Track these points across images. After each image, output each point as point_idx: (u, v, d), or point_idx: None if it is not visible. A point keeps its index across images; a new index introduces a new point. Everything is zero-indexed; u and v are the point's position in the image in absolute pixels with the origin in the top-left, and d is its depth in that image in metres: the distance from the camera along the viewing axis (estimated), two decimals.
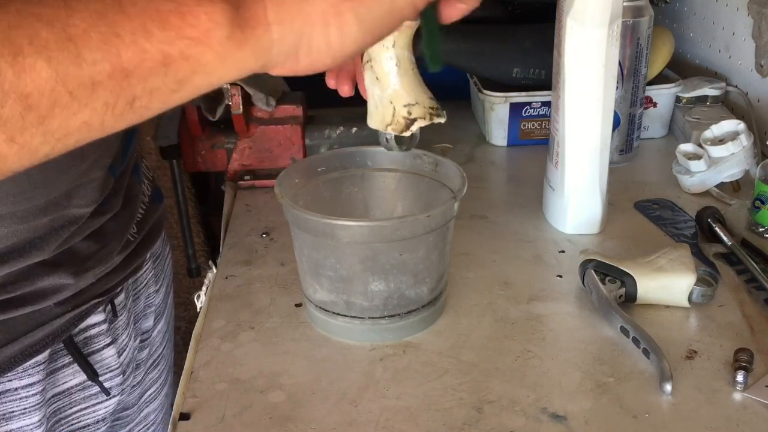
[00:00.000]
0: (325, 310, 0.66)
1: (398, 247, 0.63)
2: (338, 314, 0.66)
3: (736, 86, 1.07)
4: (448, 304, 0.70)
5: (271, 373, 0.62)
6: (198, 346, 0.66)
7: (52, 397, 0.61)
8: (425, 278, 0.65)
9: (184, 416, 0.58)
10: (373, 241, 0.62)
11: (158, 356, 0.77)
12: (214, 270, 0.78)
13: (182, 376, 0.63)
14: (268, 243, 0.82)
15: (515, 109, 1.05)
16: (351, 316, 0.65)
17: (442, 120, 0.58)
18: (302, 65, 0.42)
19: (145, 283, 0.72)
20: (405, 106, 0.56)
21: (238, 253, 0.81)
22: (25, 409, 0.57)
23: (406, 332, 0.66)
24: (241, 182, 0.95)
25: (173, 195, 1.60)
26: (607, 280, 0.68)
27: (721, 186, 0.89)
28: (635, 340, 0.63)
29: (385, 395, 0.59)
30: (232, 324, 0.69)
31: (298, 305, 0.71)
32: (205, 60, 0.38)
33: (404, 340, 0.66)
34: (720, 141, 0.90)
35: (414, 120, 0.56)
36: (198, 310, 0.74)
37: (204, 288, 0.77)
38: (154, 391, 0.76)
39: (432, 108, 0.57)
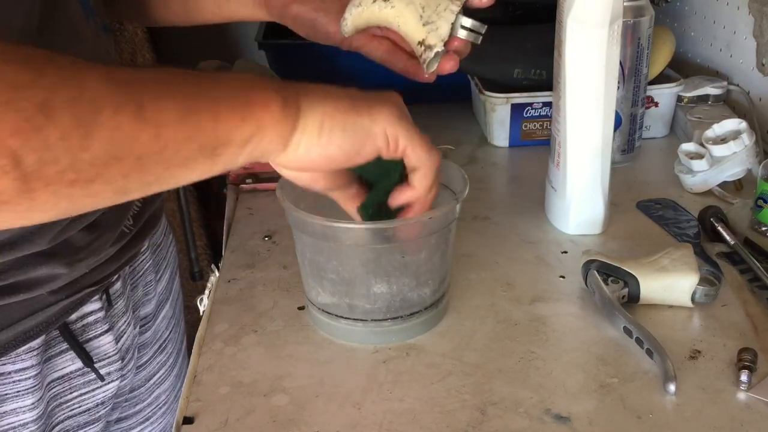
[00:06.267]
0: (328, 313, 0.66)
1: (400, 249, 0.63)
2: (341, 317, 0.66)
3: (737, 85, 1.07)
4: (450, 306, 0.70)
5: (274, 376, 0.62)
6: (201, 349, 0.66)
7: (51, 382, 0.64)
8: (428, 280, 0.65)
9: (188, 420, 0.58)
10: (375, 243, 0.62)
11: (165, 340, 0.80)
12: (217, 273, 0.78)
13: (185, 380, 0.63)
14: (271, 246, 0.82)
15: (516, 109, 1.05)
16: (354, 319, 0.65)
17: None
18: (291, 161, 0.51)
19: (143, 272, 0.74)
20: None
21: (240, 256, 0.81)
22: (18, 392, 0.60)
23: (408, 334, 0.66)
24: (243, 185, 0.96)
25: (175, 199, 1.60)
26: (610, 281, 0.68)
27: (723, 185, 0.89)
28: (638, 341, 0.63)
29: (389, 398, 0.59)
30: (235, 327, 0.69)
31: (301, 308, 0.71)
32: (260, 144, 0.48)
33: (407, 342, 0.66)
34: (722, 140, 0.89)
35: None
36: (201, 313, 0.74)
37: (207, 291, 0.77)
38: (164, 373, 0.80)
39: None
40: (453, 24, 0.58)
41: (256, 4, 0.69)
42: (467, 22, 0.59)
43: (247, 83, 0.48)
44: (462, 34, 0.59)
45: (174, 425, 0.58)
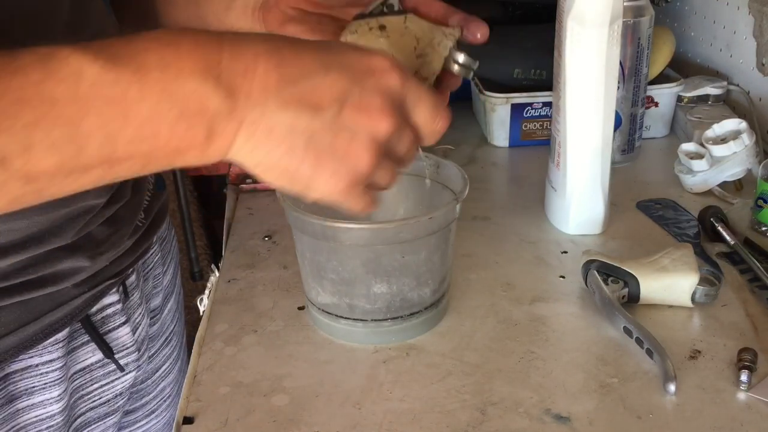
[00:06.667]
0: (328, 313, 0.66)
1: (400, 249, 0.63)
2: (341, 317, 0.66)
3: (737, 85, 1.07)
4: (450, 306, 0.70)
5: (274, 376, 0.62)
6: (201, 349, 0.66)
7: (74, 374, 0.65)
8: (428, 280, 0.65)
9: (188, 420, 0.58)
10: (375, 243, 0.62)
11: (170, 333, 0.81)
12: (217, 273, 0.79)
13: (185, 380, 0.63)
14: (271, 246, 0.82)
15: (516, 109, 1.05)
16: (354, 319, 0.65)
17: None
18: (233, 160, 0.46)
19: (152, 264, 0.76)
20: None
21: (240, 256, 0.81)
22: (45, 384, 0.62)
23: (408, 334, 0.66)
24: (243, 185, 0.96)
25: (175, 199, 1.61)
26: (610, 281, 0.68)
27: (723, 185, 0.89)
28: (638, 341, 0.63)
29: (389, 398, 0.59)
30: (235, 327, 0.69)
31: (301, 308, 0.71)
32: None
33: (407, 342, 0.66)
34: (722, 140, 0.89)
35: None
36: (201, 313, 0.74)
37: (207, 291, 0.77)
38: (169, 366, 0.81)
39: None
40: (446, 58, 0.58)
41: (255, 19, 0.70)
42: (460, 57, 0.59)
43: (178, 99, 0.39)
44: (455, 69, 0.60)
45: (174, 425, 0.59)
